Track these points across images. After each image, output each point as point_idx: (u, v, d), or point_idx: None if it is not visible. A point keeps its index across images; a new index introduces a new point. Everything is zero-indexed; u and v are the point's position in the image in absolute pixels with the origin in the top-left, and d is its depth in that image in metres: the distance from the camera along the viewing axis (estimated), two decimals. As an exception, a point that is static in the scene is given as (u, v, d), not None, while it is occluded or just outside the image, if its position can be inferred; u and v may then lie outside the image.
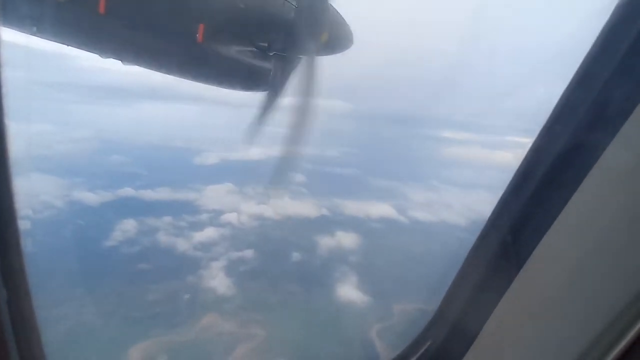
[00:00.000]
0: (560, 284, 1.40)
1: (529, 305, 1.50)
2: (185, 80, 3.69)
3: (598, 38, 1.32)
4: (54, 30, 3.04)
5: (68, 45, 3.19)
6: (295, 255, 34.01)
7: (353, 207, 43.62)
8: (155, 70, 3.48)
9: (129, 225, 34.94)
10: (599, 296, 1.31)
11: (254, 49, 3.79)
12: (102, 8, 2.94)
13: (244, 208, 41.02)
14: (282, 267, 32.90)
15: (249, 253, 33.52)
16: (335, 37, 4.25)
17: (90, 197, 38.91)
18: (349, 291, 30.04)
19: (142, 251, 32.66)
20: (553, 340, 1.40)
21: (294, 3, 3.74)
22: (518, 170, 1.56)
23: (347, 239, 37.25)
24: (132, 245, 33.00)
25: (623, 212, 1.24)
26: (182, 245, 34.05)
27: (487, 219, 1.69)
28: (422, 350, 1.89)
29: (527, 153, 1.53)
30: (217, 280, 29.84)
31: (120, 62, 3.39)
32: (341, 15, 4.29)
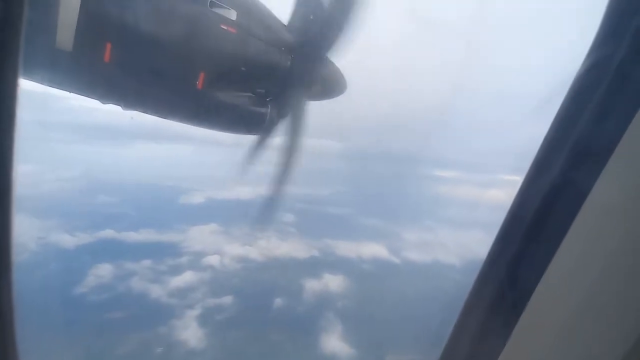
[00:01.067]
0: (564, 325, 1.39)
1: (535, 351, 1.47)
2: (184, 124, 3.86)
3: (578, 75, 1.41)
4: (59, 78, 3.20)
5: (71, 92, 3.35)
6: (279, 302, 32.51)
7: (344, 247, 42.97)
8: (155, 115, 3.65)
9: (104, 270, 33.35)
10: (603, 337, 1.31)
11: (252, 95, 4.04)
12: (107, 57, 3.14)
13: (228, 250, 39.95)
14: (263, 315, 31.18)
15: (228, 299, 31.97)
16: (329, 84, 4.58)
17: (68, 240, 37.56)
18: (337, 342, 28.60)
19: (114, 299, 30.88)
20: None
21: (290, 53, 4.06)
22: (510, 209, 1.60)
23: (336, 282, 36.19)
24: (103, 292, 31.24)
25: (620, 247, 1.25)
26: (157, 291, 32.38)
27: (483, 261, 1.71)
28: None
29: (518, 192, 1.57)
30: (191, 331, 28.08)
31: (120, 107, 3.55)
32: (335, 64, 4.64)
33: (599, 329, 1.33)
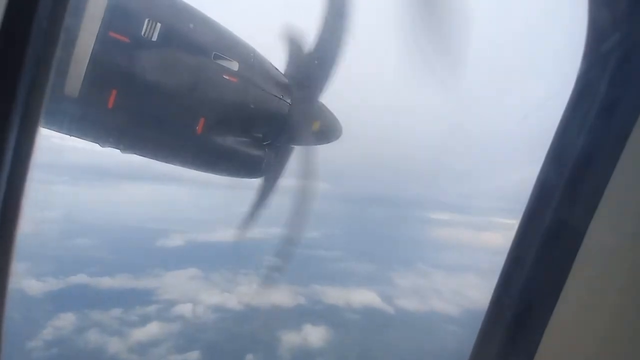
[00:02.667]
0: None
1: None
2: (182, 167, 4.03)
3: (564, 114, 1.47)
4: (63, 122, 3.37)
5: (71, 136, 3.51)
6: (250, 359, 30.28)
7: (334, 294, 41.58)
8: (153, 159, 3.81)
9: (65, 321, 31.18)
10: None
11: (250, 140, 4.29)
12: (111, 103, 3.35)
13: (204, 297, 38.10)
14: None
15: (193, 356, 29.67)
16: (325, 130, 4.89)
17: (34, 286, 35.52)
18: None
19: (65, 355, 28.73)
20: None
21: (288, 100, 4.39)
22: (509, 254, 1.60)
23: (323, 335, 34.41)
24: (58, 346, 28.98)
25: (624, 285, 1.27)
26: (117, 346, 30.23)
27: (484, 312, 1.69)
28: None
29: (515, 235, 1.58)
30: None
31: (119, 150, 3.71)
32: (330, 111, 4.98)
33: None
